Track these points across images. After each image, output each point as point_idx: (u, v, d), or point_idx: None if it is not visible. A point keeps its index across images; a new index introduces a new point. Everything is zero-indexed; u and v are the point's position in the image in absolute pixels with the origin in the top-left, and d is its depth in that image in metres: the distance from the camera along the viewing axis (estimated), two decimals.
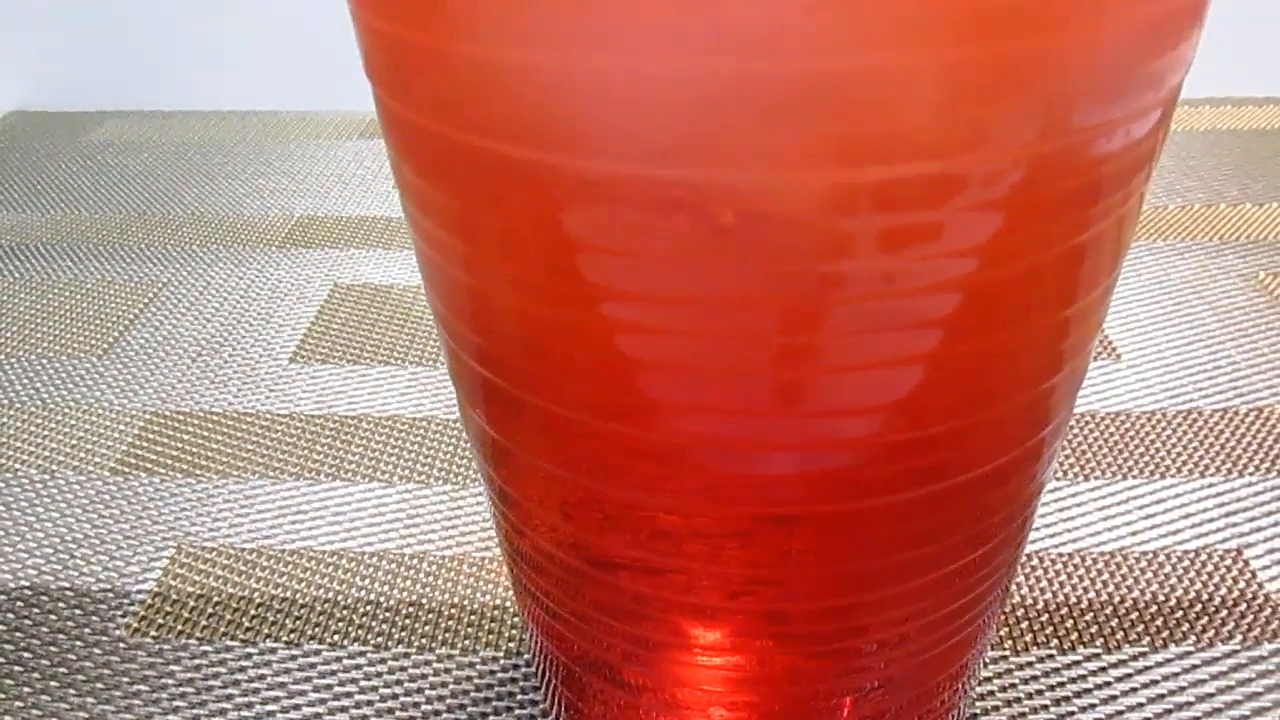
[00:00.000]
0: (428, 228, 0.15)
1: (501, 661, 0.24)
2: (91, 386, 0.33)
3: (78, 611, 0.26)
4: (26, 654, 0.24)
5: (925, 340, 0.13)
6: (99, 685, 0.24)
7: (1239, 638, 0.24)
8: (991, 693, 0.23)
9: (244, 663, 0.24)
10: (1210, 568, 0.26)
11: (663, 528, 0.16)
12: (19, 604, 0.26)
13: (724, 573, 0.16)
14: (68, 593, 0.26)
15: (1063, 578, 0.26)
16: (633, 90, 0.12)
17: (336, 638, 0.25)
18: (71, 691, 0.23)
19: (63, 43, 0.54)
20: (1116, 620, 0.25)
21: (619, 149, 0.12)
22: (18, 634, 0.25)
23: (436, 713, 0.23)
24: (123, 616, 0.25)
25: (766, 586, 0.16)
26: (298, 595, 0.26)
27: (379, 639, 0.25)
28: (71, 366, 0.34)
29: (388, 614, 0.25)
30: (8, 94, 0.54)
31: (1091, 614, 0.25)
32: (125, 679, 0.24)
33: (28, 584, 0.26)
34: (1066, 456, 0.29)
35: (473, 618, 0.25)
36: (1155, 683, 0.23)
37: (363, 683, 0.24)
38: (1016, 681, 0.23)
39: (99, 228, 0.43)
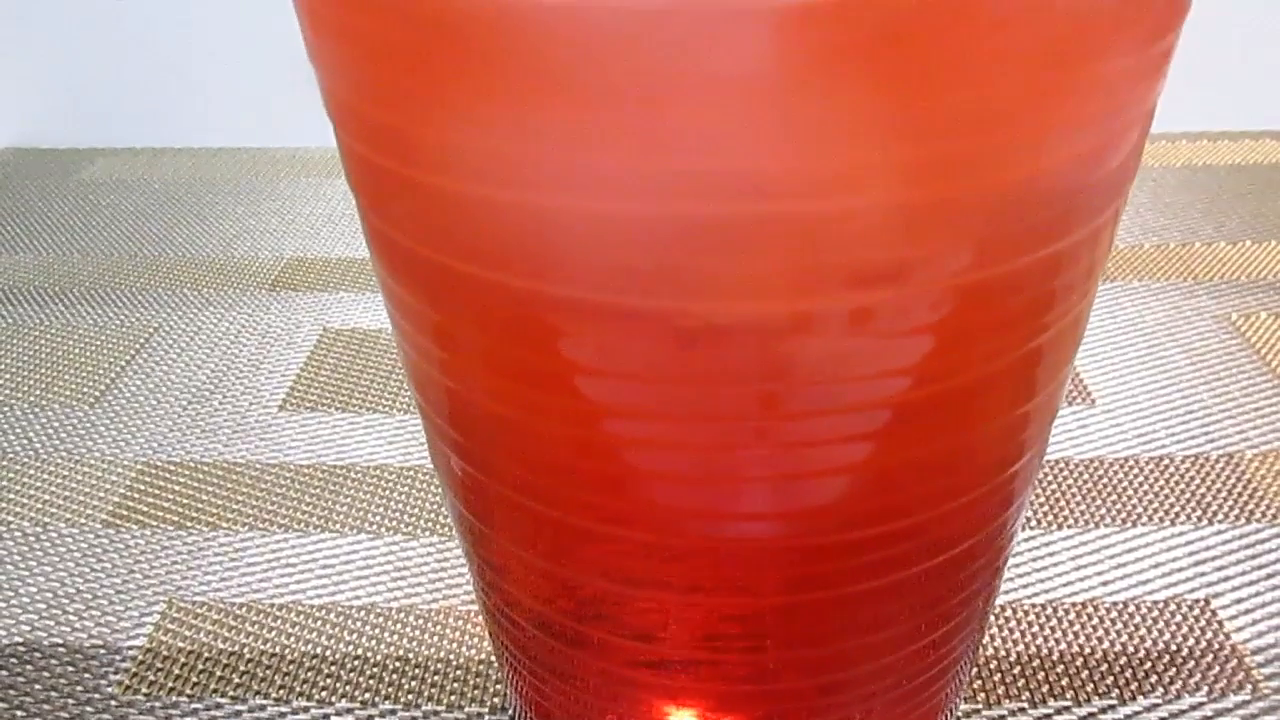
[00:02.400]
0: (407, 330, 0.16)
1: (487, 718, 0.25)
2: (84, 436, 0.34)
3: (70, 668, 0.26)
4: (20, 712, 0.25)
5: (882, 448, 0.14)
6: None
7: (1205, 689, 0.25)
8: None
9: None
10: (1179, 618, 0.26)
11: (635, 615, 0.16)
12: (13, 660, 0.26)
13: (696, 657, 0.17)
14: (60, 649, 0.27)
15: (1035, 629, 0.26)
16: (601, 228, 0.12)
17: (324, 694, 0.25)
18: None
19: (54, 80, 0.54)
20: (1087, 672, 0.25)
21: (588, 279, 0.13)
22: (11, 691, 0.26)
23: None
24: (115, 674, 0.26)
25: (738, 669, 0.17)
26: (287, 651, 0.26)
27: (366, 694, 0.25)
28: (64, 415, 0.35)
29: (375, 669, 0.26)
30: (0, 131, 0.55)
31: (1063, 666, 0.25)
32: None
33: (21, 640, 0.27)
34: (1040, 505, 0.30)
35: (459, 673, 0.26)
36: None
37: None
38: None
39: (91, 270, 0.44)
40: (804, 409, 0.13)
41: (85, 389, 0.36)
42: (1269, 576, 0.27)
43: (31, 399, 0.36)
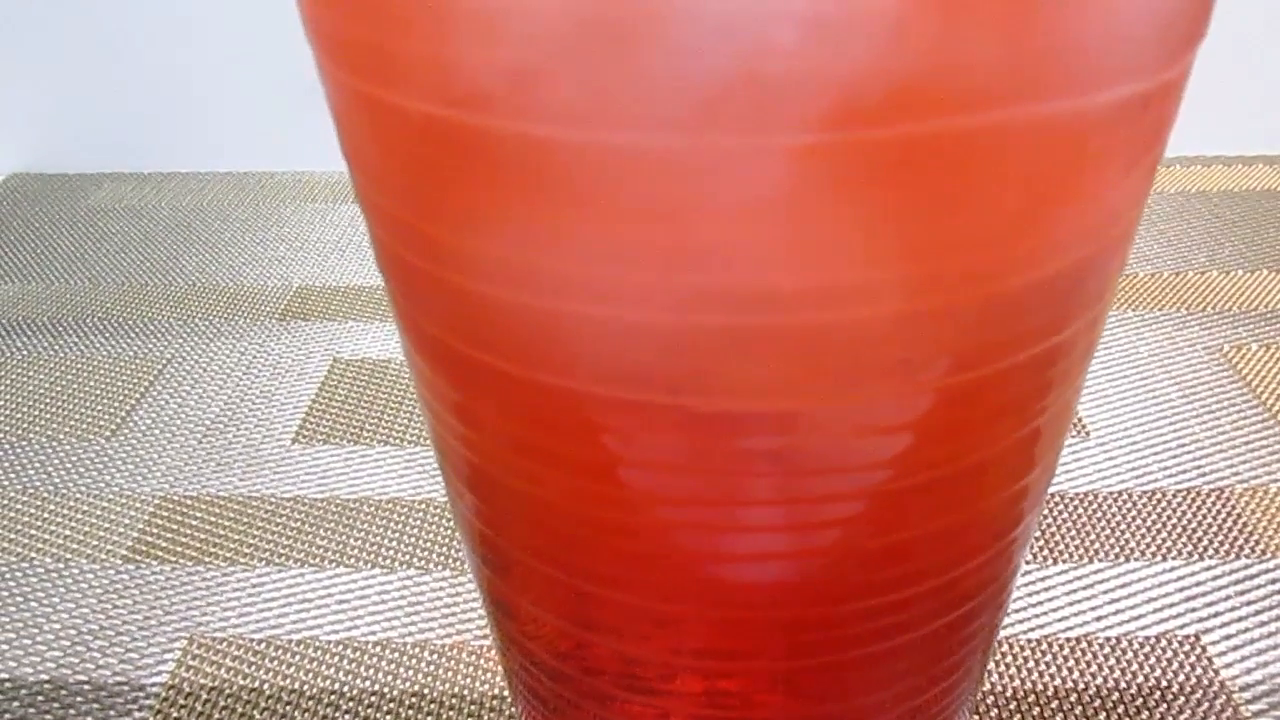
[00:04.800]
0: (430, 401, 0.17)
1: None
2: (102, 470, 0.35)
3: (95, 705, 0.27)
4: None
5: (885, 528, 0.15)
6: None
7: None
8: None
9: None
10: (1170, 654, 0.27)
11: (647, 673, 0.17)
12: (39, 698, 0.27)
13: (704, 714, 0.18)
14: (85, 686, 0.27)
15: (1030, 664, 0.27)
16: (623, 334, 0.13)
17: None
18: None
19: (60, 105, 0.55)
20: (1081, 708, 0.26)
21: (610, 377, 0.13)
22: None
23: None
24: (139, 711, 0.27)
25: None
26: (305, 687, 0.27)
27: None
28: (82, 449, 0.36)
29: (391, 705, 0.27)
30: (6, 157, 0.55)
31: (1057, 702, 0.26)
32: None
33: (47, 678, 0.28)
34: (1037, 539, 0.31)
35: (473, 708, 0.27)
36: None
37: None
38: None
39: (103, 300, 0.44)
40: (810, 494, 0.14)
41: (102, 421, 0.37)
42: (1257, 613, 0.28)
43: (49, 432, 0.36)
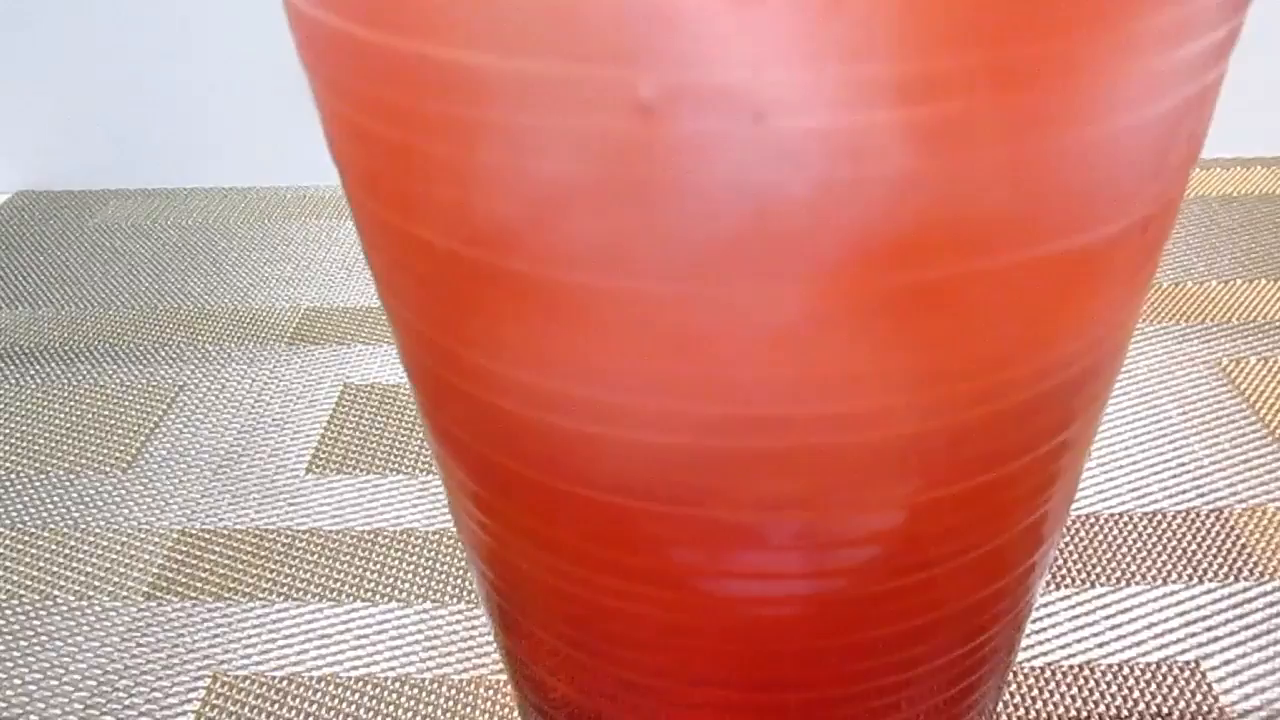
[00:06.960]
0: (450, 485, 0.17)
1: None
2: (120, 503, 0.35)
3: None
4: None
5: (908, 612, 0.15)
6: None
7: None
8: None
9: None
10: (1170, 681, 0.28)
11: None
12: None
13: None
14: None
15: (1035, 692, 0.28)
16: (644, 454, 0.13)
17: None
18: None
19: (64, 121, 0.55)
20: None
21: (631, 489, 0.14)
22: None
23: None
24: None
25: None
26: None
27: None
28: (99, 481, 0.36)
29: None
30: (12, 174, 0.56)
31: None
32: None
33: (77, 719, 0.28)
34: None
35: None
36: None
37: None
38: None
39: (113, 325, 0.45)
40: (828, 593, 0.15)
41: (118, 453, 0.37)
42: (1256, 637, 0.29)
43: (67, 464, 0.37)
